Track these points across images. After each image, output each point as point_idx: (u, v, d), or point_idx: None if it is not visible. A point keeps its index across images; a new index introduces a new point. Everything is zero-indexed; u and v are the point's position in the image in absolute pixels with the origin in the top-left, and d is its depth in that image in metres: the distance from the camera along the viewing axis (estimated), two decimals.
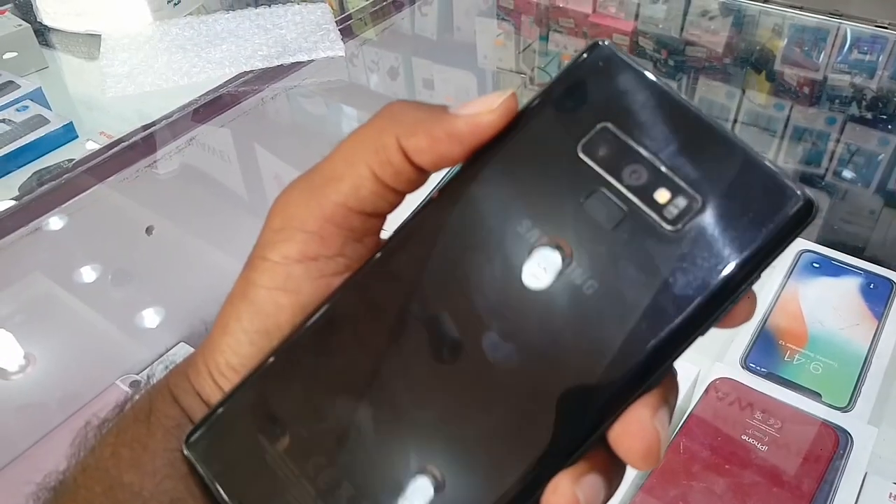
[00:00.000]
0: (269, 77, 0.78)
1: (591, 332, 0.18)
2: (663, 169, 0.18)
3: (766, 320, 0.52)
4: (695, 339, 0.18)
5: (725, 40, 0.85)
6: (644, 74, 0.19)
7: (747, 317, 0.19)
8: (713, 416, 0.46)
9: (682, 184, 0.18)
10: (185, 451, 0.21)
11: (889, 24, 0.79)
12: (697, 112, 0.18)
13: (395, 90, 0.88)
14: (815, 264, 0.56)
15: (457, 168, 0.21)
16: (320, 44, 0.78)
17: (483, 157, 0.20)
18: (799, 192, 0.17)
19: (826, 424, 0.45)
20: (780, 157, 0.74)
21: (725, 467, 0.43)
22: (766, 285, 0.54)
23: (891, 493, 0.42)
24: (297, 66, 0.79)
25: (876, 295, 0.53)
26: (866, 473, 0.43)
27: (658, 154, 0.18)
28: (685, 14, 0.87)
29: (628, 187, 0.18)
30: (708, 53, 0.85)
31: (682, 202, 0.18)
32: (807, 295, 0.54)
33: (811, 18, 0.81)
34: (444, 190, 0.21)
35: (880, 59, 0.79)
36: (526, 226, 0.19)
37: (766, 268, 0.18)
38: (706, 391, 0.47)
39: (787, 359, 0.50)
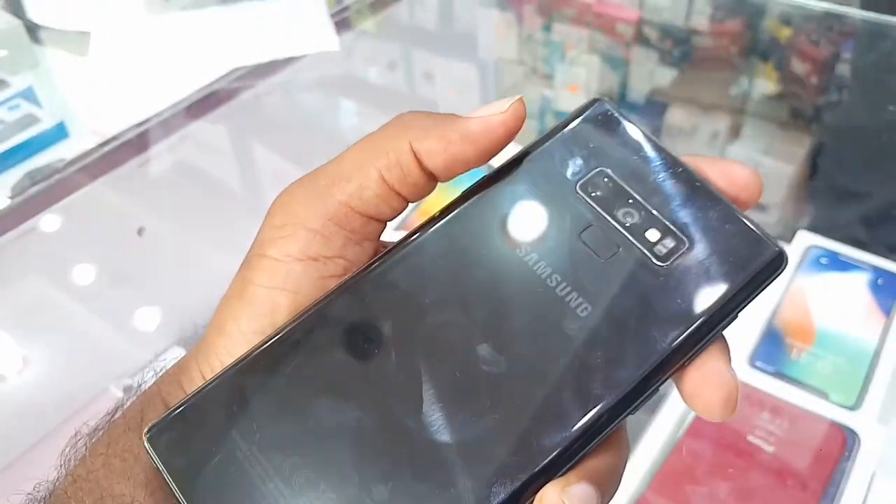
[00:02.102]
0: (263, 72, 0.77)
1: (572, 355, 0.19)
2: (654, 212, 0.21)
3: (773, 318, 0.51)
4: (672, 372, 0.19)
5: (732, 29, 0.84)
6: (638, 129, 0.22)
7: None
8: None
9: (673, 227, 0.20)
10: (145, 444, 0.20)
11: None
12: (686, 167, 0.21)
13: (394, 82, 0.87)
14: (822, 259, 0.55)
15: (458, 195, 0.22)
16: (313, 38, 0.77)
17: (486, 185, 0.22)
18: (773, 245, 0.20)
19: (834, 424, 0.45)
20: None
21: (732, 468, 0.43)
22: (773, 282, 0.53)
23: None
24: (291, 60, 0.78)
25: (884, 290, 0.52)
26: (874, 473, 0.42)
27: (648, 200, 0.21)
28: (691, 2, 0.85)
29: (622, 225, 0.21)
30: (714, 43, 0.83)
31: (670, 243, 0.20)
32: (814, 291, 0.53)
33: (820, 6, 0.79)
34: (448, 209, 0.22)
35: None
36: (525, 250, 0.21)
37: (742, 308, 0.20)
38: None
39: (794, 357, 0.49)
